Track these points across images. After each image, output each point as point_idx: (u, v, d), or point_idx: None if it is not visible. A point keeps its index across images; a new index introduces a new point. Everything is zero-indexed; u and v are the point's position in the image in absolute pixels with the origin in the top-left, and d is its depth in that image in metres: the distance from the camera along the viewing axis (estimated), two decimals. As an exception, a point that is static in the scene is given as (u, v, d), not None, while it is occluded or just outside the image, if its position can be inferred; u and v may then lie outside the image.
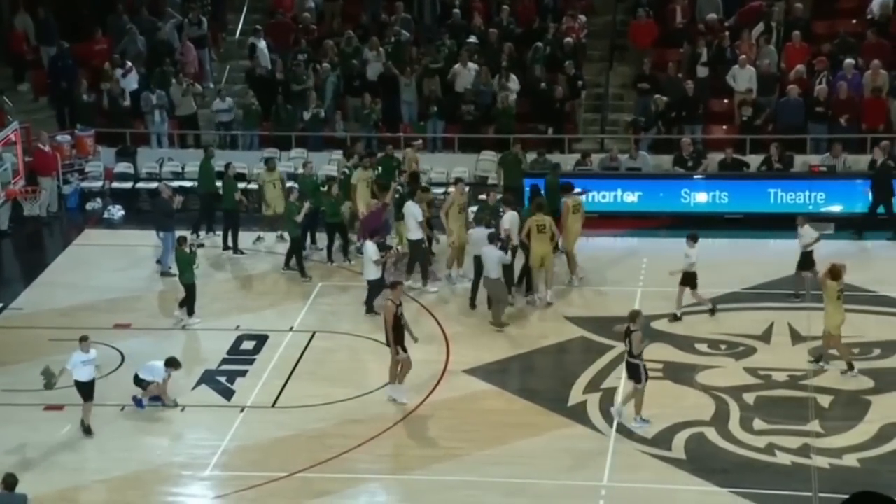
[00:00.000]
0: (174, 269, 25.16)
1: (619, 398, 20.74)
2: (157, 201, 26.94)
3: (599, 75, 32.46)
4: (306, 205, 25.82)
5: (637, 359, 20.20)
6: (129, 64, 32.22)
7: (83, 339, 20.63)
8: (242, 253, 27.27)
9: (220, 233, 27.64)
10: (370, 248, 23.80)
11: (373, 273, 23.90)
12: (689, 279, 23.40)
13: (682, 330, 23.35)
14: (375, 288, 24.03)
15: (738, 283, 25.21)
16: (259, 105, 31.43)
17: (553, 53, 31.60)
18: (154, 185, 30.98)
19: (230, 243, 27.27)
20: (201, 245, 25.42)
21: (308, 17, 33.49)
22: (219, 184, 27.66)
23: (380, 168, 27.56)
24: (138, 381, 21.31)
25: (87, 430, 20.50)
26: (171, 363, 21.36)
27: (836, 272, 21.83)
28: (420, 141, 29.73)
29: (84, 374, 20.44)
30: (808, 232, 24.10)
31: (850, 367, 21.77)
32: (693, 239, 23.47)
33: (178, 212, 26.59)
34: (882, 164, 27.28)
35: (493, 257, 23.40)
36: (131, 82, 32.14)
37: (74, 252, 28.15)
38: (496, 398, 21.51)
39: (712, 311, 23.67)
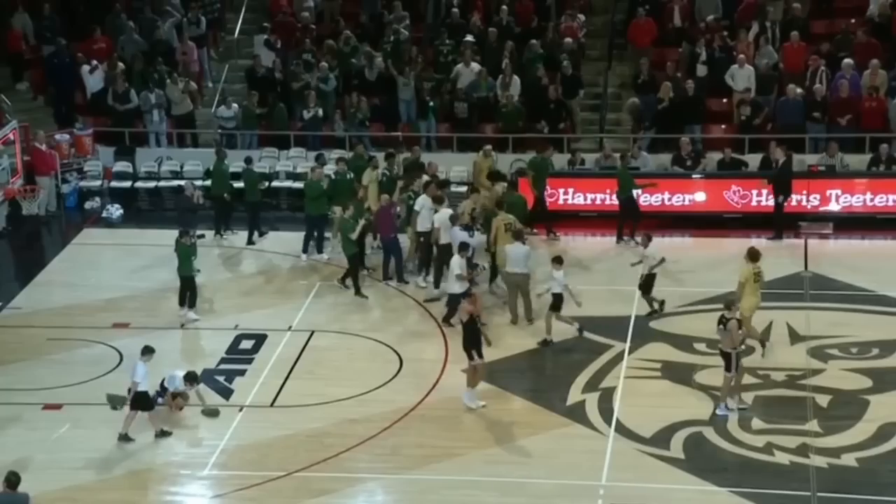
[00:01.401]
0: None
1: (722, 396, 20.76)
2: (181, 198, 26.83)
3: (598, 75, 32.46)
4: (361, 221, 25.04)
5: (730, 348, 20.22)
6: (95, 62, 32.12)
7: (149, 350, 20.53)
8: (253, 243, 27.65)
9: (237, 231, 27.75)
10: (456, 261, 23.26)
11: (456, 287, 23.24)
12: (555, 302, 23.03)
13: (680, 329, 23.37)
14: (455, 301, 23.32)
15: (736, 282, 25.18)
16: (259, 105, 31.36)
17: (551, 53, 31.58)
18: (153, 184, 31.09)
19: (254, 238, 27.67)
20: (201, 236, 25.21)
21: (307, 17, 33.49)
22: (237, 184, 28.02)
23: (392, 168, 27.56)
24: (164, 391, 21.12)
25: (161, 435, 20.48)
26: (191, 378, 21.07)
27: (753, 254, 22.18)
28: (490, 146, 28.78)
29: (146, 385, 20.41)
30: (652, 252, 23.54)
31: (763, 345, 22.28)
32: (558, 262, 23.21)
33: (201, 208, 26.53)
34: (783, 163, 27.20)
35: (456, 237, 23.84)
36: (97, 81, 32.04)
37: (73, 251, 28.15)
38: (494, 397, 21.49)
39: (580, 332, 23.16)
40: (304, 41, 32.65)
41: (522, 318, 23.84)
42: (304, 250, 26.83)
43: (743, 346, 20.90)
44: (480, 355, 20.90)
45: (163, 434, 20.41)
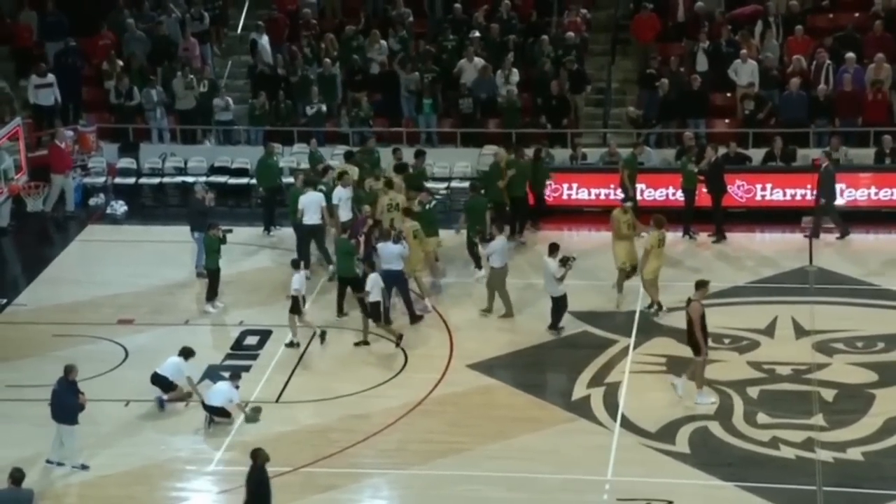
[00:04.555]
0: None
1: None
2: (192, 200, 26.65)
3: (601, 69, 32.44)
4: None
5: None
6: (51, 76, 31.75)
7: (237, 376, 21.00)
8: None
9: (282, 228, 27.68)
10: (552, 264, 22.93)
11: (559, 289, 22.95)
12: (294, 305, 22.93)
13: (684, 324, 23.32)
14: (561, 304, 23.11)
15: (741, 277, 25.25)
16: (262, 101, 31.32)
17: (555, 48, 31.57)
18: (157, 180, 31.09)
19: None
20: (229, 231, 25.16)
21: (309, 13, 33.49)
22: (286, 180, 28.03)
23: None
24: (159, 382, 21.09)
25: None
26: (234, 377, 21.06)
27: (658, 221, 23.44)
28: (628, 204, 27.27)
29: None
30: (297, 279, 22.85)
31: (659, 307, 23.46)
32: (296, 265, 23.22)
33: (212, 209, 26.44)
34: (715, 161, 27.10)
35: (390, 252, 23.41)
36: (47, 95, 31.68)
37: (77, 248, 28.15)
38: (499, 393, 21.53)
39: (322, 337, 23.07)
40: (300, 37, 32.66)
41: (529, 314, 23.87)
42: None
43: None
44: (706, 353, 20.65)
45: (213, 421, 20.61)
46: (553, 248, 23.15)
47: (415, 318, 23.77)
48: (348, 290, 23.88)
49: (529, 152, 27.57)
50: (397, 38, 32.16)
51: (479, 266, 25.35)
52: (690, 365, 20.86)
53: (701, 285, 20.99)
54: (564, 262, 22.89)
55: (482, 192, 26.28)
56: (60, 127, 30.69)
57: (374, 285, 22.75)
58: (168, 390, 21.17)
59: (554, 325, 23.20)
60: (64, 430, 19.44)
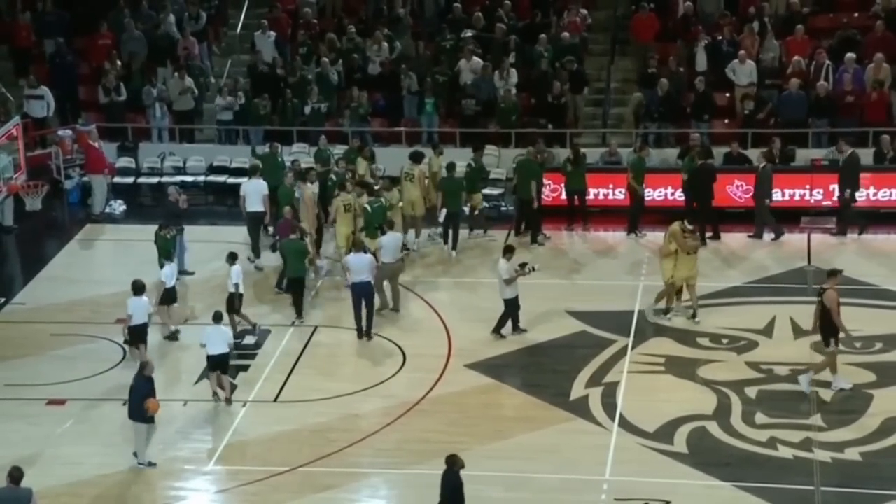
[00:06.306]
0: (191, 269, 25.66)
1: None
2: (166, 203, 26.73)
3: (601, 70, 32.43)
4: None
5: None
6: (43, 88, 31.62)
7: (219, 316, 21.29)
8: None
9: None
10: (503, 265, 22.92)
11: (508, 292, 22.86)
12: (167, 297, 23.17)
13: (683, 324, 23.37)
14: (512, 307, 22.97)
15: (739, 277, 25.25)
16: (265, 103, 31.28)
17: (555, 48, 31.58)
18: (156, 180, 31.09)
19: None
20: (181, 230, 25.22)
21: (309, 12, 33.49)
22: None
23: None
24: (220, 360, 21.15)
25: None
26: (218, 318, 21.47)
27: (684, 228, 23.32)
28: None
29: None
30: (235, 272, 23.14)
31: (694, 315, 23.36)
32: (168, 258, 23.50)
33: (186, 212, 26.40)
34: (702, 164, 27.01)
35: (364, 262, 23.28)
36: (37, 107, 31.67)
37: (76, 247, 28.16)
38: (498, 392, 21.54)
39: (174, 337, 23.20)
40: (303, 34, 32.66)
41: (527, 314, 23.85)
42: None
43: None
44: (837, 342, 20.80)
45: (172, 336, 21.04)
46: (507, 250, 23.15)
47: (365, 334, 23.39)
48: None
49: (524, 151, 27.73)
50: (385, 36, 32.12)
51: (447, 243, 26.25)
52: (823, 358, 20.98)
53: (833, 274, 21.19)
54: (523, 266, 22.88)
55: (454, 174, 26.63)
56: (92, 126, 30.61)
57: (237, 277, 23.07)
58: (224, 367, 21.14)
59: (516, 328, 23.09)
60: (137, 428, 19.48)
